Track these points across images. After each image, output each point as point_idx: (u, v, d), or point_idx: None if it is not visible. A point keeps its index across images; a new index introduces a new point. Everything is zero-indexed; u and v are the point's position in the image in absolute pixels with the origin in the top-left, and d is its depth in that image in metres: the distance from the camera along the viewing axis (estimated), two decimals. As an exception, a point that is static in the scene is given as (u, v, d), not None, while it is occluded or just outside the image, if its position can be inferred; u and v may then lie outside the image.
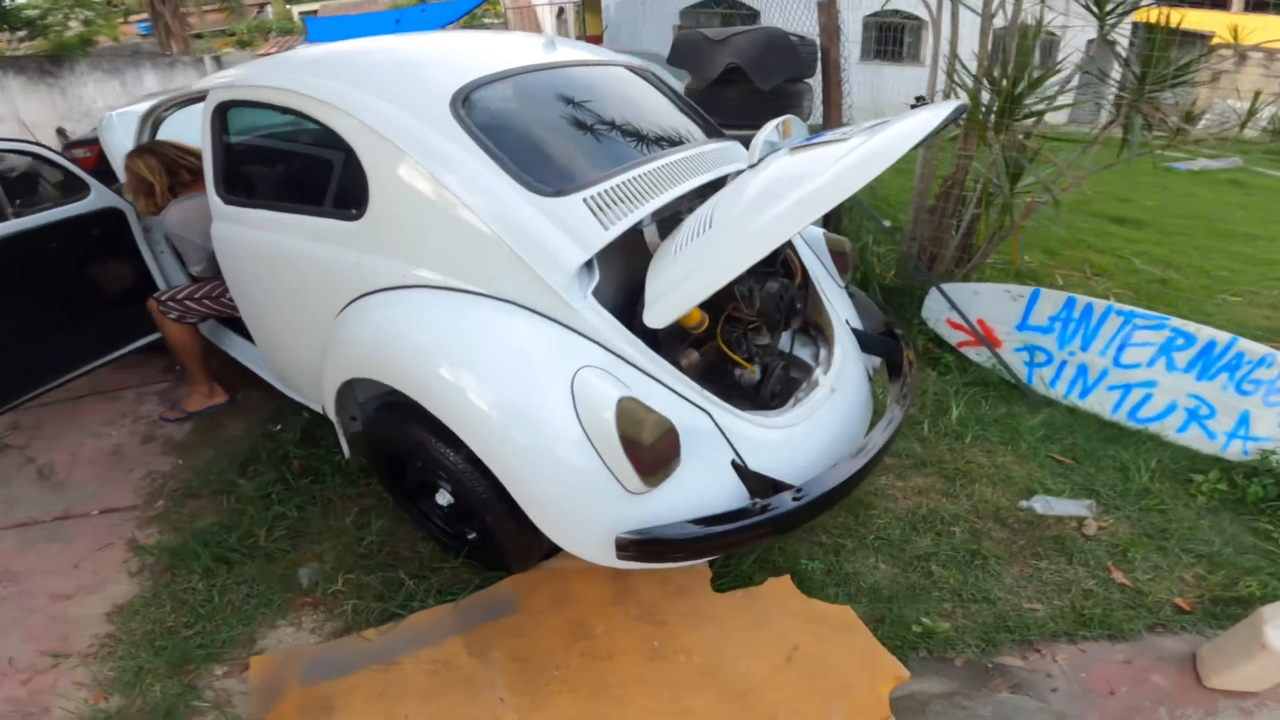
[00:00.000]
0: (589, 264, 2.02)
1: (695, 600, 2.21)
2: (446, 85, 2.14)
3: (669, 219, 2.34)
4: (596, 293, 2.02)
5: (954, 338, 3.62)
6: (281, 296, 2.53)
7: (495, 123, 2.19)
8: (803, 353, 2.74)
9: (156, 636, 2.16)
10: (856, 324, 2.86)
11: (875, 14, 10.48)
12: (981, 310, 3.53)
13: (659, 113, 2.71)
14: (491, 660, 2.06)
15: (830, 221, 4.47)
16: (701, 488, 1.94)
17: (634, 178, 2.17)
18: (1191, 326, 3.01)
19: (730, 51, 3.76)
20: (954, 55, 3.51)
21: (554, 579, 2.28)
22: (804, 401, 2.29)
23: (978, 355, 3.56)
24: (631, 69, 2.85)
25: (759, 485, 1.98)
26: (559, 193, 2.03)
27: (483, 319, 2.00)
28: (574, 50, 2.73)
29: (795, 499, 1.89)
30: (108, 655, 2.12)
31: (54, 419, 3.42)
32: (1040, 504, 2.60)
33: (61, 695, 1.99)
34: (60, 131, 9.44)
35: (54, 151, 3.04)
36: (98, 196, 3.14)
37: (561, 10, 9.95)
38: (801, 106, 4.20)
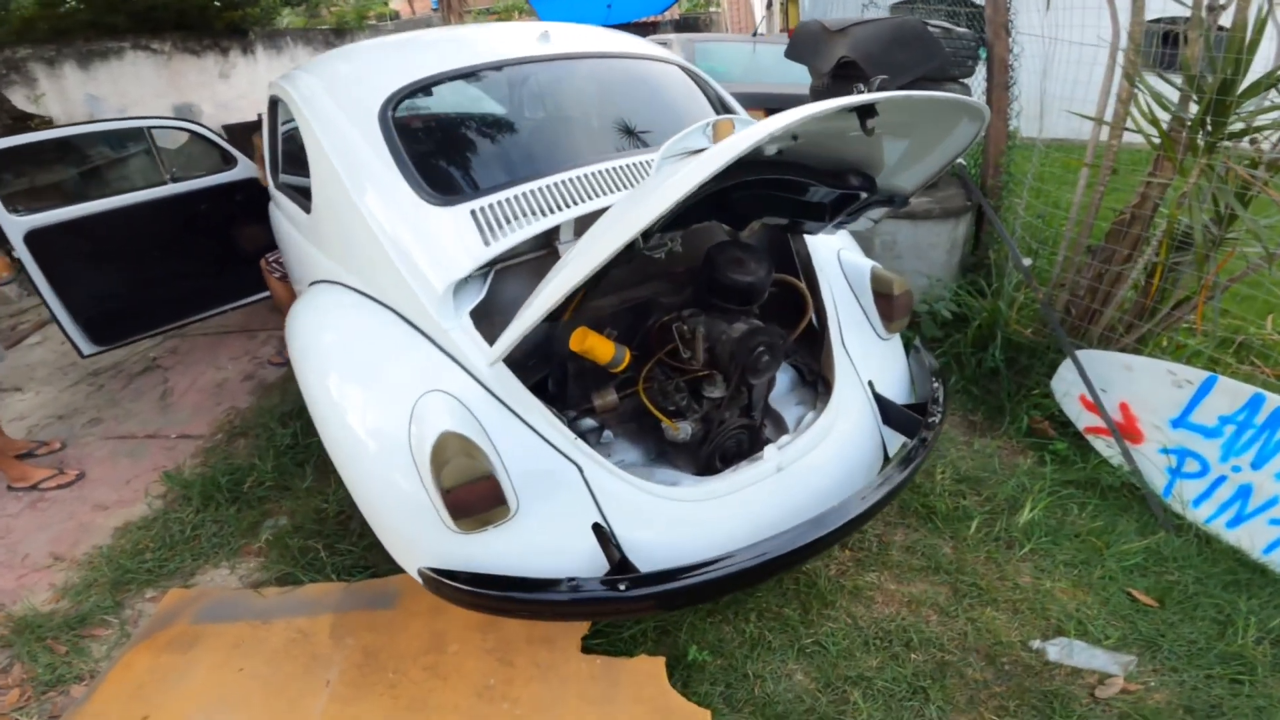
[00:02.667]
0: (488, 278, 2.02)
1: (554, 653, 2.11)
2: (386, 88, 2.29)
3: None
4: (496, 314, 2.01)
5: (1085, 420, 2.90)
6: (292, 273, 2.93)
7: (423, 126, 2.29)
8: (792, 414, 2.42)
9: (126, 555, 2.63)
10: (897, 387, 2.45)
11: None
12: (1130, 391, 2.78)
13: (640, 113, 2.59)
14: (344, 645, 2.19)
15: (976, 247, 3.85)
16: (549, 544, 1.85)
17: (547, 187, 2.11)
18: None
19: (847, 44, 3.40)
20: (1134, 45, 2.81)
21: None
22: (737, 474, 2.05)
23: (1108, 448, 2.82)
24: (657, 60, 2.75)
25: (620, 557, 1.83)
26: (447, 202, 2.05)
27: (363, 326, 2.10)
28: (574, 42, 2.71)
29: (615, 587, 1.71)
30: (87, 564, 2.63)
31: (199, 348, 4.31)
32: (1058, 648, 2.02)
33: (32, 592, 2.52)
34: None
35: (207, 128, 3.82)
36: (242, 168, 3.88)
37: (770, 3, 9.77)
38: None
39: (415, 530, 1.83)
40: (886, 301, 2.49)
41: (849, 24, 3.50)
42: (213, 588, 2.48)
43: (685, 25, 13.06)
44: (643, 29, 10.38)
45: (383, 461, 1.85)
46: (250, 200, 3.93)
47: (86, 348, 3.54)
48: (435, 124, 2.49)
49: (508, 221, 2.03)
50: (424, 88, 2.41)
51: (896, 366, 2.55)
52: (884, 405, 2.37)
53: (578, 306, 2.05)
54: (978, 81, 3.73)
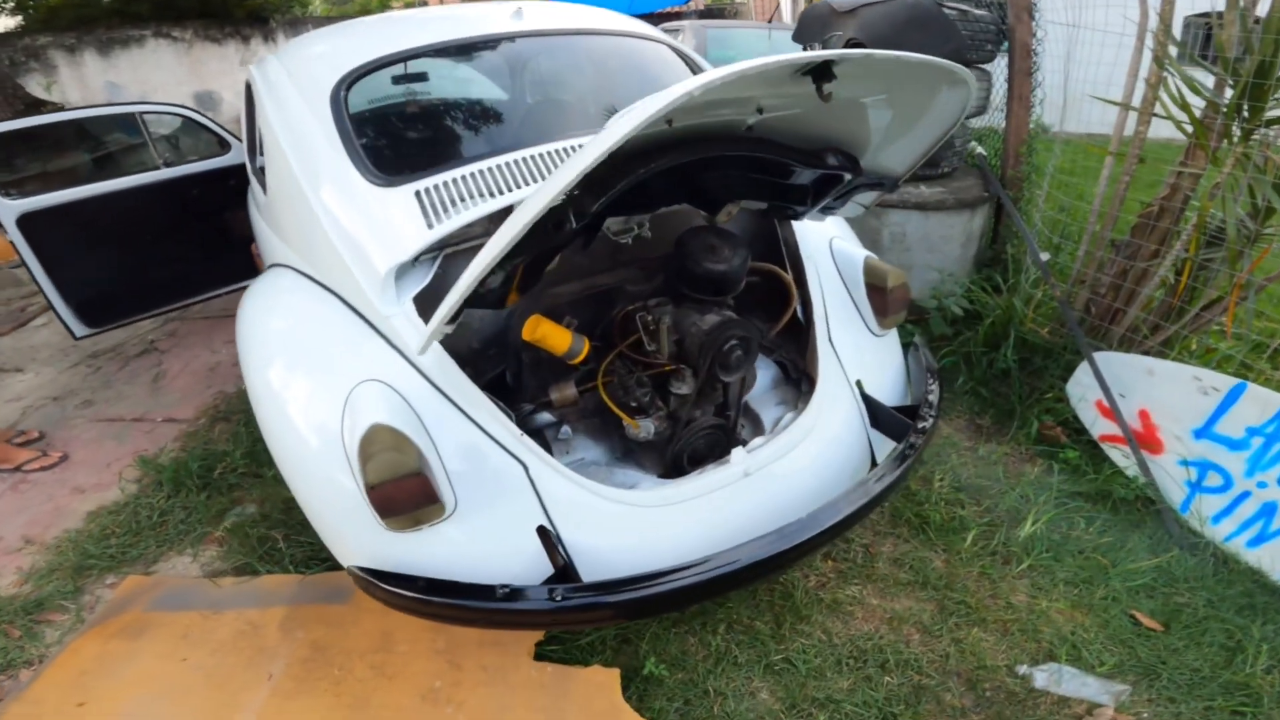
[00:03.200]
0: (435, 263, 1.93)
1: (504, 658, 2.01)
2: (342, 68, 2.22)
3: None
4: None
5: (1100, 428, 2.71)
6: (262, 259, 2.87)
7: (375, 106, 2.21)
8: (771, 415, 2.28)
9: (93, 540, 2.59)
10: (890, 387, 2.29)
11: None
12: (1151, 398, 2.58)
13: (615, 91, 2.46)
14: (293, 639, 2.12)
15: (993, 240, 3.65)
16: (490, 548, 1.74)
17: (501, 166, 2.00)
18: None
19: (855, 26, 3.23)
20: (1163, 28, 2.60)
21: (394, 584, 2.25)
22: (699, 478, 1.92)
23: (1123, 458, 2.62)
24: (638, 37, 2.62)
25: (564, 564, 1.72)
26: (391, 183, 1.96)
27: (306, 312, 2.02)
28: (548, 18, 2.59)
29: (551, 596, 1.60)
30: (55, 548, 2.59)
31: (197, 331, 4.31)
32: (1046, 674, 1.86)
33: (1, 576, 2.49)
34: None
35: (200, 113, 3.79)
36: (237, 153, 3.84)
37: None
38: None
39: (349, 527, 1.73)
40: (880, 294, 2.33)
41: (859, 5, 3.34)
42: (170, 576, 2.42)
43: (710, 14, 12.86)
44: (666, 18, 10.23)
45: (317, 454, 1.76)
46: (244, 185, 3.89)
47: (79, 329, 3.53)
48: (388, 104, 2.42)
49: (456, 203, 1.93)
50: (380, 66, 2.32)
51: (890, 365, 2.39)
52: (873, 407, 2.22)
53: (531, 291, 1.93)
54: (1000, 69, 3.54)
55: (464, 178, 2.00)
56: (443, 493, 1.64)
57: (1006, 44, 3.45)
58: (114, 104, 4.02)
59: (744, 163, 1.94)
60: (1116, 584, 2.15)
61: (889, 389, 2.33)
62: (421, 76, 2.48)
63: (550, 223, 1.51)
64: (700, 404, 2.21)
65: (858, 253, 2.45)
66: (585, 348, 2.02)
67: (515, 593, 1.61)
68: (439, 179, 2.01)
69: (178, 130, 3.89)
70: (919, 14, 3.16)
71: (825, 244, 2.47)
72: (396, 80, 2.46)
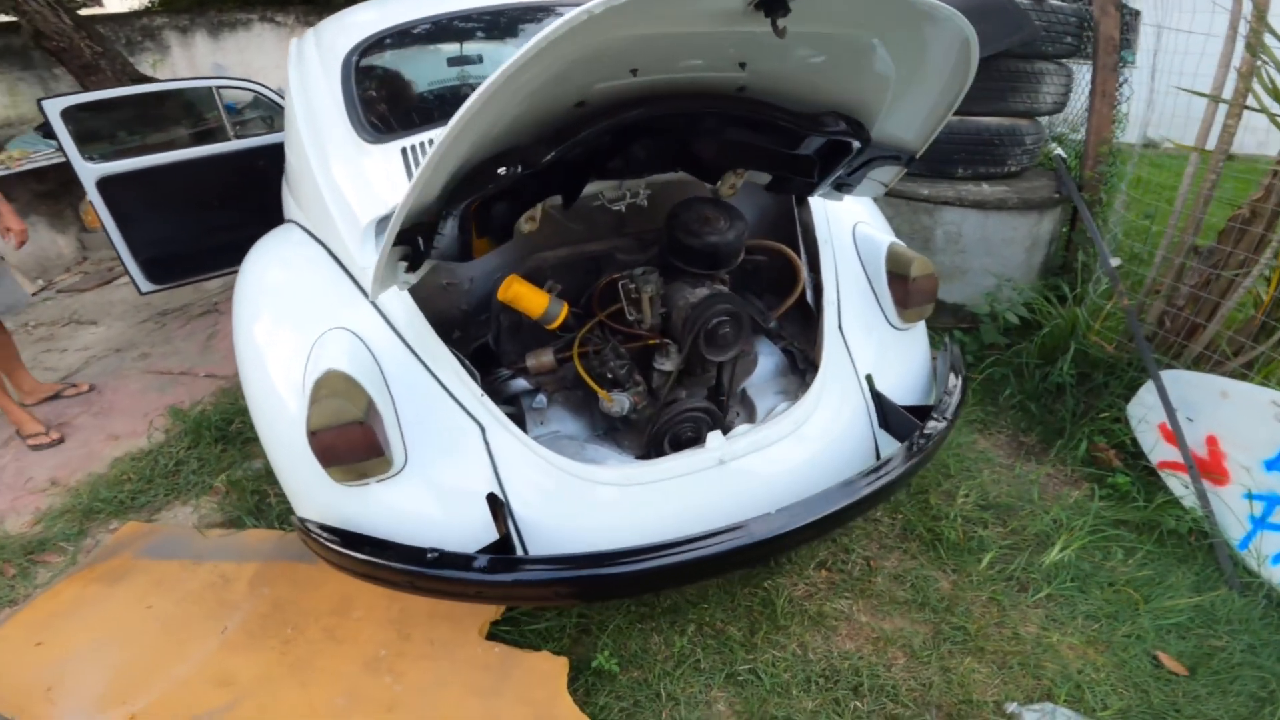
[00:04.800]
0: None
1: (454, 633, 1.93)
2: (357, 36, 2.28)
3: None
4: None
5: (1160, 453, 2.38)
6: None
7: (380, 72, 2.26)
8: (769, 403, 2.11)
9: (108, 485, 2.68)
10: (909, 386, 2.09)
11: None
12: (1222, 423, 2.26)
13: None
14: (259, 595, 2.11)
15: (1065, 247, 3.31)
16: (442, 509, 1.68)
17: None
18: None
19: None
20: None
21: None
22: (670, 461, 1.78)
23: (1183, 487, 2.29)
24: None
25: (506, 533, 1.63)
26: (380, 140, 1.97)
27: (292, 259, 2.05)
28: None
29: (478, 567, 1.50)
30: (74, 491, 2.69)
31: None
32: (1037, 715, 1.62)
33: (18, 514, 2.60)
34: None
35: (268, 89, 3.92)
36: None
37: None
38: (1039, 92, 3.15)
39: (305, 478, 1.69)
40: (902, 284, 2.12)
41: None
42: (166, 524, 2.47)
43: None
44: None
45: (280, 398, 1.74)
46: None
47: (144, 285, 3.73)
48: (390, 70, 2.50)
49: None
50: (391, 35, 2.39)
51: (912, 362, 2.17)
52: (883, 405, 2.01)
53: (508, 248, 1.85)
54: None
55: None
56: (391, 447, 1.58)
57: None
58: (192, 79, 4.24)
59: (741, 127, 1.80)
60: (1145, 621, 1.88)
61: (907, 387, 2.11)
62: (426, 44, 2.54)
63: (489, 168, 1.42)
64: (689, 386, 2.07)
65: (882, 239, 2.24)
66: (563, 312, 1.91)
67: (444, 558, 1.52)
68: (425, 135, 2.00)
69: (250, 104, 4.05)
70: (985, 2, 2.91)
71: (849, 228, 2.28)
72: (402, 47, 2.52)
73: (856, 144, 1.77)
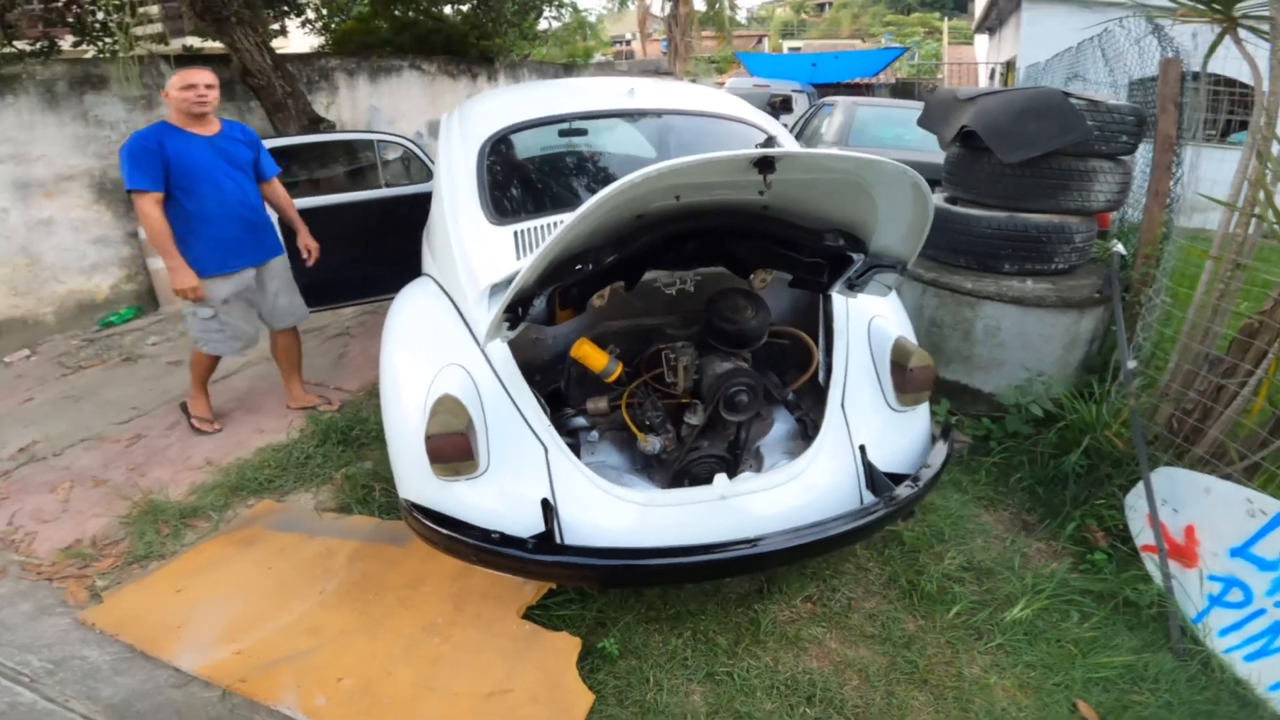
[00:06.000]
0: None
1: (497, 610, 2.43)
2: (493, 126, 2.89)
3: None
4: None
5: (1144, 537, 2.60)
6: None
7: (510, 159, 2.82)
8: (775, 459, 2.55)
9: (252, 469, 3.37)
10: (901, 459, 2.46)
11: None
12: (1201, 515, 2.48)
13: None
14: (353, 567, 2.69)
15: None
16: (508, 506, 2.21)
17: None
18: None
19: (972, 114, 3.33)
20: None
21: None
22: (683, 492, 2.29)
23: (1156, 567, 2.50)
24: (734, 120, 3.02)
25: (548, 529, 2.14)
26: (501, 222, 2.59)
27: (429, 308, 2.67)
28: (656, 98, 3.08)
29: (524, 546, 2.06)
30: (224, 470, 3.40)
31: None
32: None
33: (177, 485, 3.28)
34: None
35: (416, 145, 4.71)
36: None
37: (994, 72, 9.27)
38: (1090, 190, 3.37)
39: (413, 469, 2.28)
40: (901, 373, 2.49)
41: (980, 93, 3.45)
42: (292, 505, 3.11)
43: (902, 89, 12.79)
44: (855, 90, 10.41)
45: (406, 410, 2.34)
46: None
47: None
48: (517, 159, 3.08)
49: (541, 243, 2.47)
50: (520, 129, 3.00)
51: (905, 438, 2.52)
52: (871, 471, 2.38)
53: (584, 318, 2.39)
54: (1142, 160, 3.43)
55: (550, 224, 2.58)
56: (480, 454, 2.15)
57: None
58: (357, 132, 5.11)
59: (762, 237, 2.29)
60: (1078, 674, 2.15)
61: (898, 460, 2.46)
62: (549, 138, 3.11)
63: (571, 264, 2.00)
64: (711, 438, 2.51)
65: (892, 331, 2.62)
66: (618, 370, 2.47)
67: (504, 539, 2.07)
68: (535, 223, 2.63)
69: (400, 157, 4.87)
70: (1037, 103, 3.21)
71: (866, 321, 2.67)
72: (530, 138, 3.10)
73: (857, 256, 2.21)
